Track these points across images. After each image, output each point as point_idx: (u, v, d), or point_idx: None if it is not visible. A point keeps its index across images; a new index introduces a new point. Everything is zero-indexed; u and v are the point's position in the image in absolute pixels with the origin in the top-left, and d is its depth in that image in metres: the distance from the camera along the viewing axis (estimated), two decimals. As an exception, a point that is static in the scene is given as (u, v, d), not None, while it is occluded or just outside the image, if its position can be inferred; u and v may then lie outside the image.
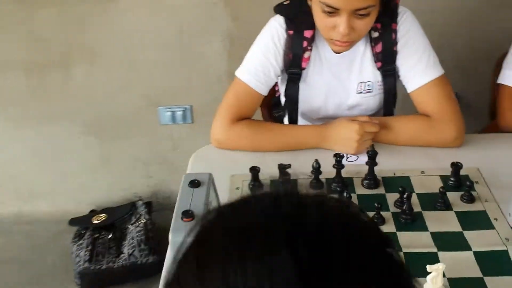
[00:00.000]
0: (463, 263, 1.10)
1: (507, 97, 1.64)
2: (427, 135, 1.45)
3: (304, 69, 1.49)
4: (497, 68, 1.76)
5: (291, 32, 1.45)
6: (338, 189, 1.30)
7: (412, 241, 1.16)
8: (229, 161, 1.46)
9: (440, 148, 1.45)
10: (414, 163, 1.42)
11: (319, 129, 1.47)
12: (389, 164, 1.38)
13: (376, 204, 1.19)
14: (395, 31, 1.45)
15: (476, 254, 1.11)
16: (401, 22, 1.45)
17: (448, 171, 1.34)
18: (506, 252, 1.12)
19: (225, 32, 2.23)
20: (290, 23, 1.45)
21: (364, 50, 1.49)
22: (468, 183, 1.27)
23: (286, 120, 1.61)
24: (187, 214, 0.98)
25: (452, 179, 1.33)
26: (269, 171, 1.32)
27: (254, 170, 1.32)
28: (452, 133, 1.44)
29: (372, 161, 1.32)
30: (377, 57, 1.48)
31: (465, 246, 1.14)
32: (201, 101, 2.36)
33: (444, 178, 1.34)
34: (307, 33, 1.45)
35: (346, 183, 1.32)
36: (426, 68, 1.45)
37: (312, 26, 1.43)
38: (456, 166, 1.31)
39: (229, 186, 1.35)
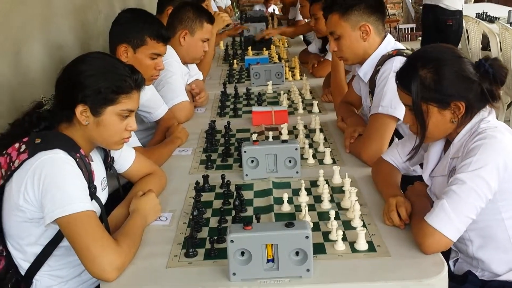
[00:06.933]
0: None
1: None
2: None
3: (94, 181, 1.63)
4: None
5: (78, 155, 1.56)
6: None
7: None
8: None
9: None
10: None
11: (137, 216, 1.68)
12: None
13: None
14: None
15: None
16: None
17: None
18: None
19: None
20: (70, 150, 1.55)
21: None
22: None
23: None
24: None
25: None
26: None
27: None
28: None
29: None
30: None
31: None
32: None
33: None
34: (82, 151, 1.60)
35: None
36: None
37: (78, 146, 1.59)
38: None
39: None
